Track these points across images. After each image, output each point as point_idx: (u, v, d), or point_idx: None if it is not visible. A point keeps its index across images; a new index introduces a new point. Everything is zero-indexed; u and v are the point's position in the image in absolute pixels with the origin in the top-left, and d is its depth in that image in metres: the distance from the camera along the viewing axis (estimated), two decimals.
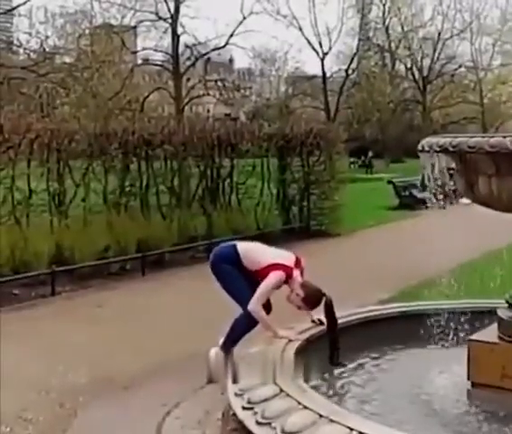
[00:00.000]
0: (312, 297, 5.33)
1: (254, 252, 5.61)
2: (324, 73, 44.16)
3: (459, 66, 50.27)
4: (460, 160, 4.55)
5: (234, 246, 5.68)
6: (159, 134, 12.98)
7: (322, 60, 43.78)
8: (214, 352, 5.71)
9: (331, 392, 4.77)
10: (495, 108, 49.94)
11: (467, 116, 49.69)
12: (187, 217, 13.14)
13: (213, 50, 36.19)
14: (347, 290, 9.41)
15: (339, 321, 5.35)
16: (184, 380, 5.94)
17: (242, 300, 5.45)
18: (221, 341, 5.72)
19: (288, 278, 5.38)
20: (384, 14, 48.00)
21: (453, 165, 4.65)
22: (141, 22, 34.26)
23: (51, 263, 10.39)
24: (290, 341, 5.05)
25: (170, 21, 32.69)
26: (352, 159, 41.75)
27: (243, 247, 5.67)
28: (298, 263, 5.52)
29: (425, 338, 5.44)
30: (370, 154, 43.96)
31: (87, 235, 11.20)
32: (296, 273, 5.42)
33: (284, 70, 52.05)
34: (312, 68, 72.36)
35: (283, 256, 5.57)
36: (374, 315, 5.91)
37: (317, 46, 43.48)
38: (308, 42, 43.45)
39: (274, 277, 5.35)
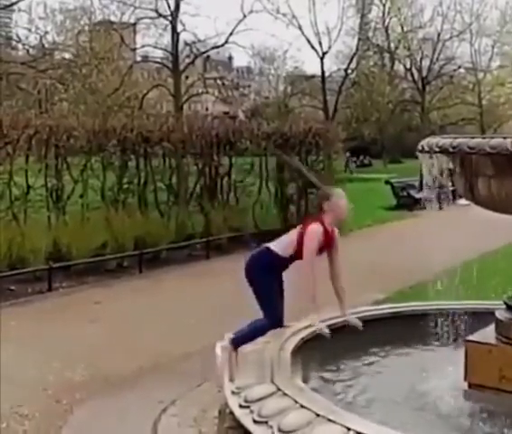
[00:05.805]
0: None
1: (283, 238, 5.66)
2: (323, 72, 44.01)
3: (459, 67, 50.17)
4: (460, 161, 4.54)
5: (267, 247, 5.62)
6: (158, 131, 12.97)
7: (321, 59, 43.61)
8: (222, 346, 5.19)
9: (328, 392, 4.76)
10: (493, 110, 49.89)
11: (465, 117, 49.64)
12: (185, 215, 13.13)
13: (213, 48, 36.05)
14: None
15: (335, 321, 5.36)
16: (180, 377, 5.93)
17: (269, 309, 5.28)
18: (229, 335, 5.36)
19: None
20: (383, 14, 47.90)
21: (452, 166, 4.64)
22: (141, 19, 34.12)
23: (48, 259, 10.37)
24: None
25: (170, 18, 32.56)
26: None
27: (273, 243, 5.63)
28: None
29: (422, 339, 5.44)
30: (347, 154, 43.67)
31: (84, 232, 11.18)
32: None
33: (283, 69, 52.01)
34: (311, 67, 72.55)
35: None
36: (370, 315, 5.89)
37: (316, 45, 43.32)
38: (308, 42, 43.28)
39: (311, 229, 5.68)
